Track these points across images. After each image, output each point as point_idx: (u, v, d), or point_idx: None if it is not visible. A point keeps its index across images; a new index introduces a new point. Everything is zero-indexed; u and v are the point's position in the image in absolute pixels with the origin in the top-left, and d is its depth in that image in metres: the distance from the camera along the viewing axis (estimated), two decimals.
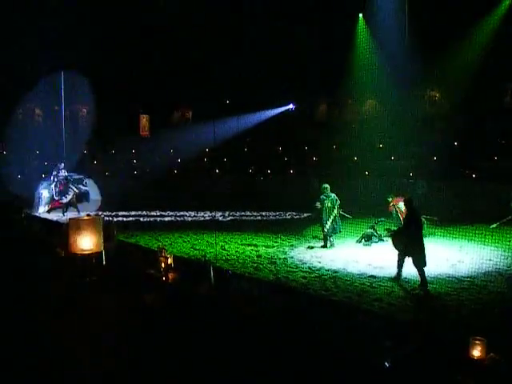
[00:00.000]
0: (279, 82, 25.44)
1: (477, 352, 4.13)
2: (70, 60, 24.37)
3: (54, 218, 19.97)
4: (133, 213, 22.50)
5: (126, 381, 4.03)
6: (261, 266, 12.49)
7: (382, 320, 5.15)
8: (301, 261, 13.09)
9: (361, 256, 13.31)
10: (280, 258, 13.37)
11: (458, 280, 10.95)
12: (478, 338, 4.22)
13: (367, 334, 4.09)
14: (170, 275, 5.89)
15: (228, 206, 22.41)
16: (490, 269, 11.81)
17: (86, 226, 5.51)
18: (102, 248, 5.58)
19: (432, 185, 20.34)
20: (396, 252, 11.20)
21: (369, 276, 11.34)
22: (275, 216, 21.81)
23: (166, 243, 15.26)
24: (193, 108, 32.46)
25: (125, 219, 20.93)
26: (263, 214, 22.17)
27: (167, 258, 6.09)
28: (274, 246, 15.05)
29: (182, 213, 22.75)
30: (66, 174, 22.94)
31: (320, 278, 11.32)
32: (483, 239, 14.94)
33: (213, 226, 18.20)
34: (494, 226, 16.65)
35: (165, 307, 5.15)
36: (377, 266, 12.22)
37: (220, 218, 21.31)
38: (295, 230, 17.90)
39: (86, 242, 5.44)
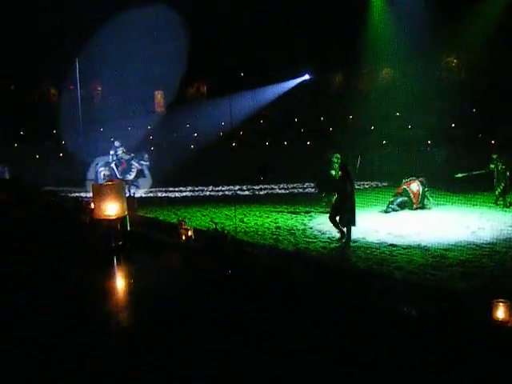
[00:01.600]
0: (294, 53, 25.19)
1: (501, 314, 4.12)
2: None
3: None
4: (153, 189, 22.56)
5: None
6: (280, 238, 12.52)
7: (403, 285, 5.14)
8: (320, 231, 13.08)
9: (380, 225, 13.27)
10: (299, 229, 13.38)
11: (479, 247, 10.88)
12: (502, 300, 4.21)
13: (390, 297, 4.09)
14: (182, 241, 5.94)
15: (245, 180, 22.34)
16: (511, 235, 11.73)
17: (109, 192, 5.53)
18: (126, 213, 5.60)
19: (451, 152, 20.17)
20: (416, 220, 11.20)
21: (389, 245, 11.31)
22: (293, 188, 21.77)
23: (185, 217, 15.35)
24: (207, 82, 32.29)
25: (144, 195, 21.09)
26: (281, 186, 22.12)
27: (187, 230, 6.13)
28: (292, 218, 15.06)
29: (200, 187, 22.78)
30: (124, 151, 22.20)
31: (340, 248, 11.33)
32: (503, 206, 14.83)
33: (231, 200, 18.21)
34: (460, 175, 16.47)
35: (191, 270, 5.21)
36: (396, 234, 12.20)
37: (238, 192, 21.29)
38: (313, 201, 17.85)
39: (111, 207, 5.47)
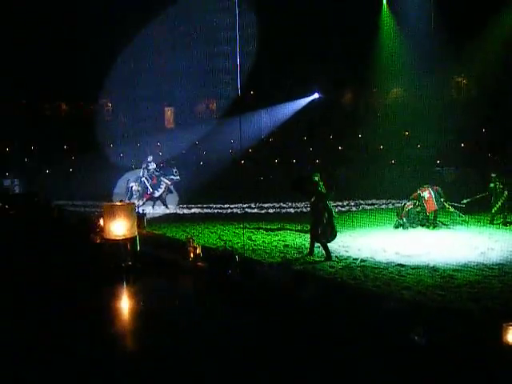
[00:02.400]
0: (304, 71, 25.25)
1: (511, 337, 4.09)
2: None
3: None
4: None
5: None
6: (288, 256, 12.51)
7: (413, 306, 5.13)
8: None
9: (388, 245, 13.21)
10: (307, 248, 13.33)
11: (488, 268, 10.82)
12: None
13: (399, 319, 4.08)
14: (199, 264, 5.95)
15: (256, 198, 22.28)
16: None
17: (119, 212, 5.58)
18: (136, 234, 5.64)
19: (460, 172, 20.14)
20: (424, 240, 11.19)
21: (397, 264, 11.26)
22: (301, 207, 21.67)
23: (193, 234, 15.37)
24: (217, 100, 32.41)
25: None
26: (290, 204, 22.04)
27: (196, 248, 6.15)
28: (301, 236, 15.03)
29: (208, 205, 22.60)
30: (154, 166, 21.99)
31: (348, 267, 11.30)
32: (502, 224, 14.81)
33: (240, 217, 18.23)
34: (465, 201, 16.44)
35: (200, 291, 5.22)
36: (404, 254, 12.14)
37: (247, 210, 21.28)
38: None
39: (121, 227, 5.51)
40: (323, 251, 12.25)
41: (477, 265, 11.01)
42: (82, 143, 27.84)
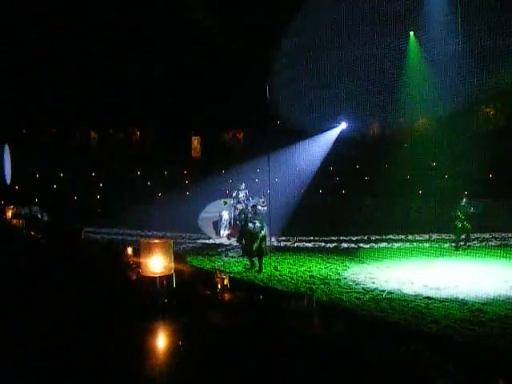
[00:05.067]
0: (331, 102, 25.27)
1: None
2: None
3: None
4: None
5: None
6: (314, 287, 12.43)
7: (441, 342, 5.04)
8: (354, 281, 12.96)
9: (415, 277, 13.07)
10: (333, 279, 13.27)
11: None
12: None
13: (426, 356, 4.00)
14: (226, 295, 5.96)
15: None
16: None
17: (157, 250, 5.66)
18: (173, 271, 5.71)
19: (488, 204, 19.92)
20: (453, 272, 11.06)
21: (424, 297, 11.13)
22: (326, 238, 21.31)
23: (218, 264, 15.38)
24: (244, 129, 32.61)
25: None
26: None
27: (223, 279, 6.16)
28: (326, 267, 14.97)
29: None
30: (246, 195, 20.85)
31: (374, 299, 11.19)
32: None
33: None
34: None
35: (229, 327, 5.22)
36: (432, 287, 11.98)
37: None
38: (348, 250, 17.79)
39: (157, 264, 5.59)
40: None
41: (507, 298, 10.81)
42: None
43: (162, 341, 5.06)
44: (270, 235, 18.50)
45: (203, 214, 22.12)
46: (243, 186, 21.20)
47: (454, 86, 20.09)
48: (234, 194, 21.13)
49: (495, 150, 21.80)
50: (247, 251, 15.42)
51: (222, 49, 24.28)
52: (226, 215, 21.01)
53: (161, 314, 5.47)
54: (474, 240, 18.50)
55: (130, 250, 8.07)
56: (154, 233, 20.41)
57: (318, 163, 24.98)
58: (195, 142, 32.90)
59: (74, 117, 28.51)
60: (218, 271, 6.48)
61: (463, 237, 17.87)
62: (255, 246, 14.81)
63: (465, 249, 17.33)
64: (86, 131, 33.00)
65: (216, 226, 21.31)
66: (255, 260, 14.91)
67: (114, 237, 18.92)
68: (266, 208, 19.11)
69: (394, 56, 22.43)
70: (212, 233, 21.32)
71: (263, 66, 22.98)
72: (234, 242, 19.28)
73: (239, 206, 20.34)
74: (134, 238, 17.61)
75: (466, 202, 17.86)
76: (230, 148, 31.70)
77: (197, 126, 30.56)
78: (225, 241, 20.39)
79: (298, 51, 23.28)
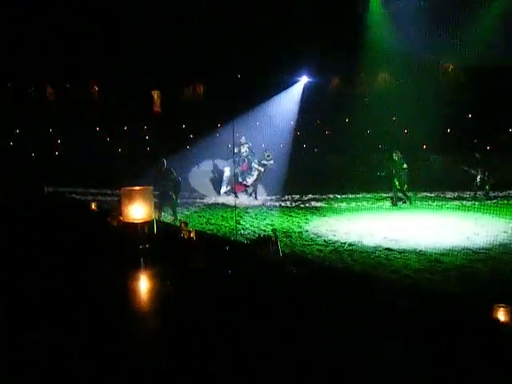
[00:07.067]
0: (291, 57, 25.06)
1: (502, 318, 4.17)
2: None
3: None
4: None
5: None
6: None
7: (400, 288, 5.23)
8: (316, 234, 13.16)
9: (375, 229, 13.35)
10: (295, 232, 13.44)
11: (474, 252, 10.98)
12: (503, 304, 4.26)
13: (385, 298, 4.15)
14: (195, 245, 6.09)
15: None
16: (505, 241, 11.85)
17: (137, 196, 5.73)
18: (153, 217, 5.79)
19: (445, 158, 20.34)
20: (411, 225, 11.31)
21: (384, 249, 11.39)
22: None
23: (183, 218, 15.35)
24: (204, 83, 32.12)
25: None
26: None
27: (190, 232, 6.22)
28: (288, 220, 15.14)
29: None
30: (248, 149, 19.49)
31: (336, 251, 11.41)
32: (498, 212, 15.00)
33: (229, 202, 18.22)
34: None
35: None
36: (392, 238, 12.26)
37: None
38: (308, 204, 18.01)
39: (138, 211, 5.66)
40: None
41: (463, 249, 11.16)
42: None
43: (143, 282, 5.13)
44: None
45: (196, 173, 20.90)
46: (243, 139, 19.80)
47: (415, 40, 20.18)
48: (237, 149, 19.54)
49: (454, 105, 22.11)
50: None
51: None
52: (227, 172, 19.72)
53: (142, 258, 5.55)
54: (431, 194, 18.91)
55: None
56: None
57: (289, 120, 24.96)
58: (155, 95, 32.32)
59: (30, 71, 27.57)
60: (183, 224, 6.53)
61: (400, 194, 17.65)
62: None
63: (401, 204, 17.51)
64: (42, 86, 32.00)
65: (215, 184, 20.23)
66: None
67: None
68: (272, 162, 19.08)
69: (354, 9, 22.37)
70: (209, 191, 20.05)
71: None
72: (231, 198, 18.70)
73: (244, 163, 19.19)
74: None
75: (398, 157, 17.44)
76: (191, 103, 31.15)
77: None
78: (222, 199, 19.13)
79: None
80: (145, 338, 4.01)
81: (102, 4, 22.82)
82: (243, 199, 19.21)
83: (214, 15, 23.14)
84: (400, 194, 17.52)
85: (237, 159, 19.39)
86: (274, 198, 19.20)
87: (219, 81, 24.98)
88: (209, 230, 13.85)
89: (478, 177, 17.76)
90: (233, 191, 19.25)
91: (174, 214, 15.04)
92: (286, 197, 19.13)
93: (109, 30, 23.58)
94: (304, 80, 24.98)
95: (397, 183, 17.12)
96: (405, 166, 17.09)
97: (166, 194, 14.72)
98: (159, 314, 4.49)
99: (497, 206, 16.01)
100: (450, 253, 10.83)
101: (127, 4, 22.85)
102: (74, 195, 19.02)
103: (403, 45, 20.70)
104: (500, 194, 18.13)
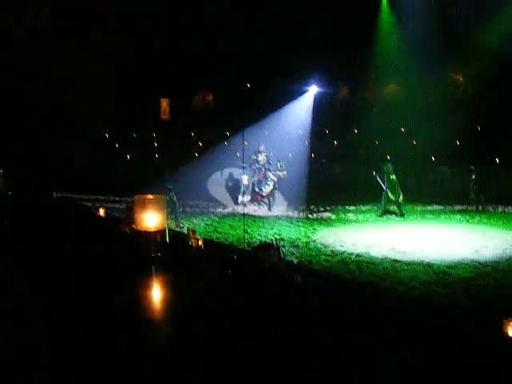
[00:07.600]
0: (300, 66, 25.10)
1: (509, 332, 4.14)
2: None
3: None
4: None
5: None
6: (283, 249, 12.54)
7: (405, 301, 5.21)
8: (323, 244, 13.13)
9: (383, 240, 13.32)
10: (302, 242, 13.43)
11: (482, 265, 10.92)
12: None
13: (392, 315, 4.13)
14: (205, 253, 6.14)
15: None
16: None
17: (150, 205, 5.73)
18: (166, 226, 5.80)
19: (454, 170, 20.31)
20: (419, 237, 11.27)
21: (392, 260, 11.35)
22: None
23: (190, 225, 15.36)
24: (214, 91, 32.22)
25: None
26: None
27: (198, 240, 6.23)
28: (296, 230, 15.12)
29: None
30: (266, 157, 19.08)
31: (343, 262, 11.38)
32: (507, 225, 14.94)
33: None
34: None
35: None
36: (400, 250, 12.22)
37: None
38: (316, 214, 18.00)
39: (151, 219, 5.66)
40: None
41: (471, 262, 11.11)
42: None
43: (157, 290, 5.16)
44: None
45: (215, 181, 20.80)
46: (262, 147, 19.35)
47: (425, 52, 20.25)
48: (254, 157, 19.14)
49: (463, 117, 22.10)
50: None
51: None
52: (245, 180, 19.19)
53: (154, 266, 5.56)
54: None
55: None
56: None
57: (298, 130, 24.88)
58: (164, 103, 32.44)
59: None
60: (191, 231, 6.54)
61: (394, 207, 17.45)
62: None
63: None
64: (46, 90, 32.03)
65: (233, 192, 19.84)
66: None
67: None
68: (285, 173, 18.84)
69: (365, 21, 22.42)
70: (228, 200, 19.71)
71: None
72: (251, 208, 18.47)
73: (260, 173, 18.84)
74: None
75: (387, 168, 17.14)
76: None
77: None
78: (241, 208, 18.35)
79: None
80: (157, 344, 4.03)
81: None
82: (262, 211, 18.69)
83: (227, 25, 23.29)
84: (394, 207, 17.37)
85: (253, 167, 19.12)
86: (283, 208, 19.16)
87: (231, 90, 25.13)
88: (216, 238, 13.86)
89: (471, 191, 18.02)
90: (252, 200, 19.03)
91: (177, 220, 15.35)
92: (295, 207, 19.05)
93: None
94: (314, 90, 24.81)
95: (391, 196, 16.88)
96: (392, 177, 16.87)
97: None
98: (172, 320, 4.51)
99: (505, 218, 16.01)
100: (457, 265, 10.79)
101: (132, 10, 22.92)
102: (81, 202, 18.94)
103: (414, 56, 20.78)
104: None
